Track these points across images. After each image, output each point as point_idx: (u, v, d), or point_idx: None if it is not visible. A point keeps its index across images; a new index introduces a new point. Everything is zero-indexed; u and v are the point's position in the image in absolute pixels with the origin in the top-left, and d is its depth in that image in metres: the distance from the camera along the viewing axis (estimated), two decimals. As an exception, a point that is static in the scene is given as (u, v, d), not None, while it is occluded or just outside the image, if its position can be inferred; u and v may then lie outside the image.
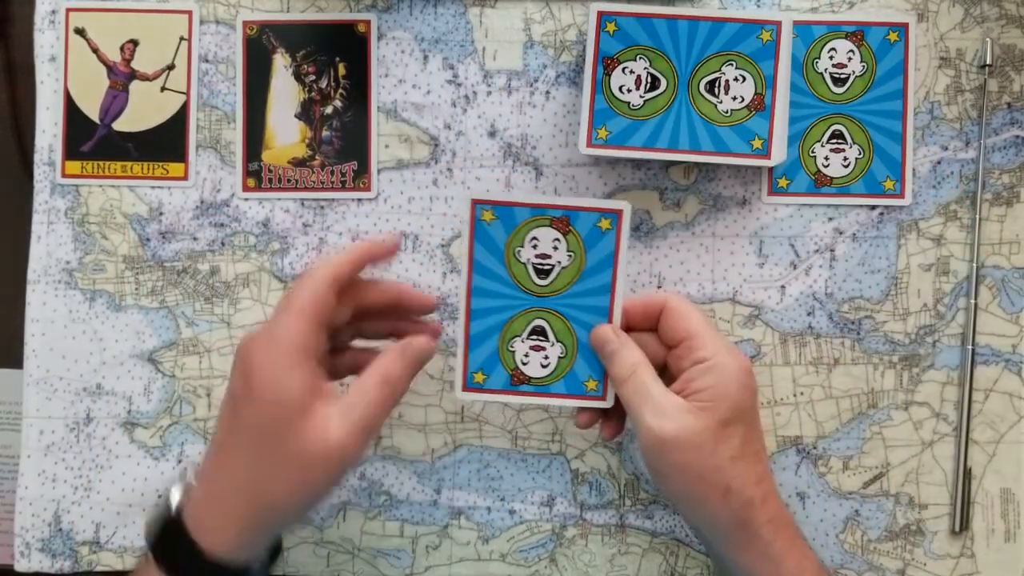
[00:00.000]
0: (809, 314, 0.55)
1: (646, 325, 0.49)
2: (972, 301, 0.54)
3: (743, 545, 0.45)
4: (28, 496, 0.55)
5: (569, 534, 0.55)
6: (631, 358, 0.47)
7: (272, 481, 0.42)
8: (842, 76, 0.55)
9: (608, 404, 0.49)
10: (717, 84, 0.52)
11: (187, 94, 0.56)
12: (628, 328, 0.49)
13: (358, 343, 0.50)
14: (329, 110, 0.56)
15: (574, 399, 0.49)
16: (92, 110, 0.56)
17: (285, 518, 0.45)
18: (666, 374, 0.48)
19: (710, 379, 0.45)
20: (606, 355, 0.48)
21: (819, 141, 0.55)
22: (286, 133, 0.56)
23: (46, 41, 0.56)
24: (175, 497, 0.44)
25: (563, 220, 0.48)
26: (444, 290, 0.55)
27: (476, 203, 0.48)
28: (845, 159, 0.55)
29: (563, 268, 0.48)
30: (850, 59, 0.55)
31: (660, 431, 0.44)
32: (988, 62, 0.54)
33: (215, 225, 0.56)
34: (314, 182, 0.56)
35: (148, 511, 0.49)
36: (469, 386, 0.49)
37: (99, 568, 0.55)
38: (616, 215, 0.47)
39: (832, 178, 0.55)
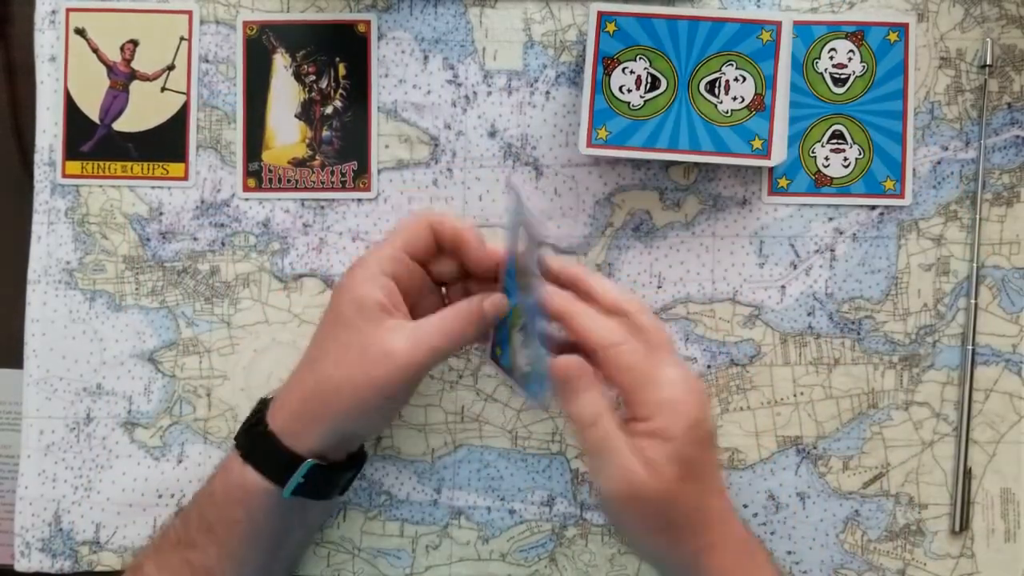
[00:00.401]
0: (809, 314, 0.55)
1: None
2: (972, 301, 0.54)
3: None
4: (28, 496, 0.55)
5: (569, 534, 0.55)
6: (595, 405, 0.44)
7: (334, 369, 0.46)
8: (842, 76, 0.55)
9: None
10: (717, 84, 0.52)
11: (187, 94, 0.56)
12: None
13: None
14: (329, 110, 0.56)
15: None
16: (92, 110, 0.56)
17: (342, 411, 0.46)
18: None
19: (653, 443, 0.43)
20: (568, 391, 0.44)
21: (819, 141, 0.55)
22: (286, 133, 0.56)
23: (46, 41, 0.56)
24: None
25: None
26: (444, 290, 0.55)
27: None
28: (845, 159, 0.55)
29: None
30: (850, 59, 0.55)
31: (619, 488, 0.43)
32: (988, 62, 0.54)
33: (215, 225, 0.56)
34: (314, 182, 0.56)
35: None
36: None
37: (99, 568, 0.55)
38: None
39: (832, 178, 0.55)
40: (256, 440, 0.47)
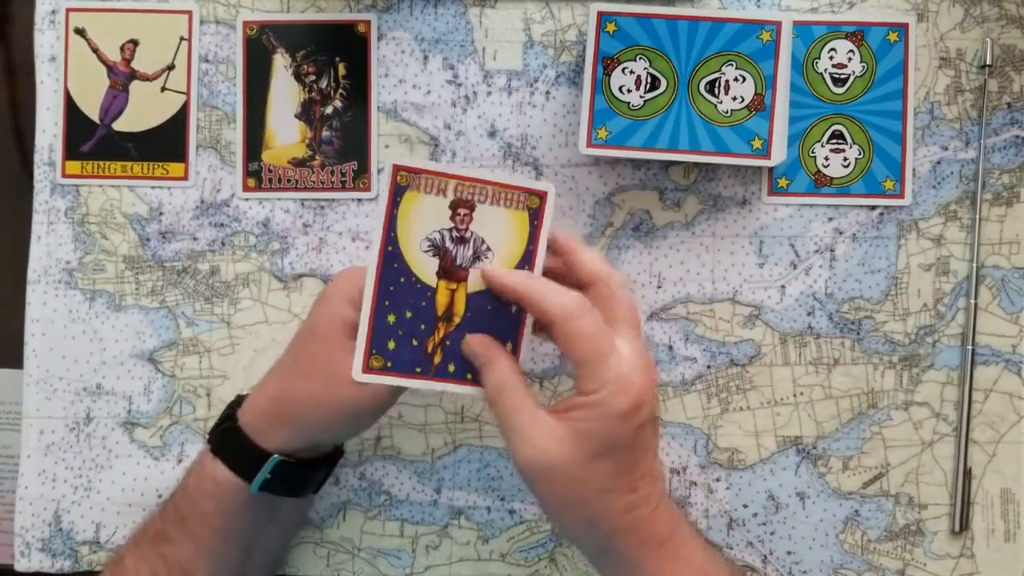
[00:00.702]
0: (809, 314, 0.55)
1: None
2: (972, 301, 0.54)
3: (610, 567, 0.45)
4: (28, 496, 0.55)
5: (569, 534, 0.55)
6: (498, 376, 0.44)
7: (300, 380, 0.46)
8: (842, 76, 0.55)
9: None
10: (717, 84, 0.52)
11: (187, 94, 0.56)
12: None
13: None
14: (329, 110, 0.56)
15: None
16: (92, 110, 0.56)
17: (303, 422, 0.47)
18: None
19: (587, 414, 0.42)
20: (478, 367, 0.45)
21: (819, 141, 0.55)
22: (286, 133, 0.56)
23: (46, 41, 0.56)
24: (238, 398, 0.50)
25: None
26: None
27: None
28: (845, 159, 0.55)
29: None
30: (850, 59, 0.55)
31: (526, 459, 0.42)
32: (988, 62, 0.54)
33: (215, 225, 0.56)
34: (314, 182, 0.56)
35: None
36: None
37: (99, 568, 0.55)
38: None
39: (832, 178, 0.55)
40: (226, 435, 0.48)
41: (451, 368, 0.46)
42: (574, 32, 0.56)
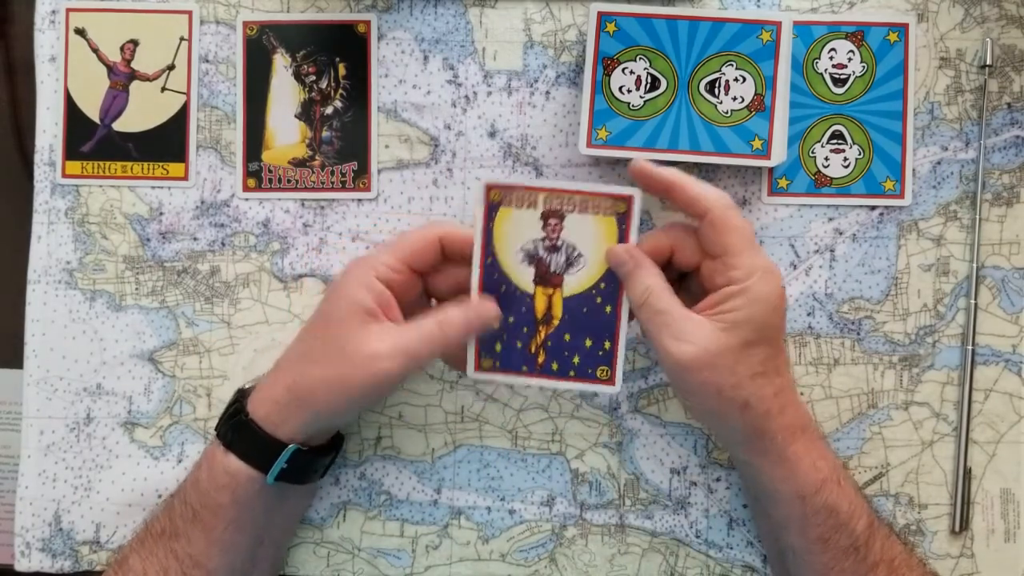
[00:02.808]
0: (809, 314, 0.55)
1: (691, 219, 0.48)
2: (972, 301, 0.54)
3: (761, 451, 0.47)
4: (28, 496, 0.55)
5: (569, 534, 0.55)
6: (645, 281, 0.46)
7: (314, 367, 0.47)
8: (842, 76, 0.55)
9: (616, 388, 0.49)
10: (717, 84, 0.52)
11: (187, 94, 0.56)
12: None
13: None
14: (329, 110, 0.56)
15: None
16: (92, 110, 0.56)
17: (317, 408, 0.47)
18: (693, 280, 0.49)
19: (739, 302, 0.45)
20: (622, 276, 0.47)
21: (819, 141, 0.55)
22: (286, 133, 0.56)
23: (46, 41, 0.56)
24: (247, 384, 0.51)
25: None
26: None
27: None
28: (845, 159, 0.55)
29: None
30: (850, 59, 0.55)
31: (679, 354, 0.45)
32: (988, 62, 0.54)
33: (215, 225, 0.56)
34: (314, 182, 0.56)
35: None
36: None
37: (99, 568, 0.55)
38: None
39: (832, 178, 0.55)
40: (238, 428, 0.48)
41: (554, 366, 0.49)
42: (574, 32, 0.56)
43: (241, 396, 0.50)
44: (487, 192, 0.48)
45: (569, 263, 0.49)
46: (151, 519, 0.51)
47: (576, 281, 0.49)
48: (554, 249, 0.49)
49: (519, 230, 0.48)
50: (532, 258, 0.49)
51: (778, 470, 0.46)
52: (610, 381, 0.49)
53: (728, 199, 0.47)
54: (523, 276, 0.49)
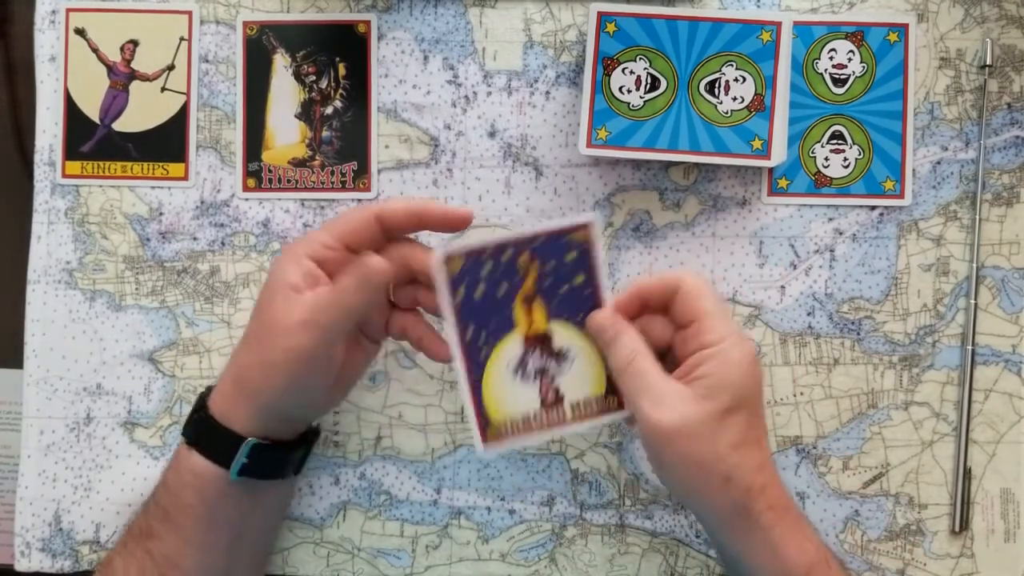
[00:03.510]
0: (809, 314, 0.55)
1: (660, 305, 0.48)
2: (972, 301, 0.54)
3: (744, 532, 0.45)
4: (28, 496, 0.55)
5: (569, 534, 0.55)
6: (629, 345, 0.46)
7: (247, 351, 0.47)
8: (842, 76, 0.55)
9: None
10: (717, 84, 0.52)
11: (187, 94, 0.56)
12: (643, 308, 0.48)
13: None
14: (329, 110, 0.56)
15: None
16: (92, 110, 0.56)
17: (259, 390, 0.47)
18: (668, 359, 0.48)
19: (713, 365, 0.44)
20: (604, 343, 0.47)
21: (819, 141, 0.55)
22: (286, 133, 0.56)
23: (46, 41, 0.56)
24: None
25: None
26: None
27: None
28: (845, 159, 0.55)
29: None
30: (850, 59, 0.55)
31: (659, 420, 0.43)
32: (988, 62, 0.54)
33: (215, 225, 0.56)
34: (314, 182, 0.56)
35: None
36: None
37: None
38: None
39: (832, 178, 0.55)
40: (198, 425, 0.48)
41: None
42: (574, 32, 0.56)
43: (205, 394, 0.49)
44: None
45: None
46: (132, 520, 0.51)
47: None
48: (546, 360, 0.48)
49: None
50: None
51: (763, 554, 0.44)
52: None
53: (698, 275, 0.47)
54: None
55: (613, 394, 0.48)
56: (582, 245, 0.46)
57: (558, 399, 0.48)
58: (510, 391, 0.47)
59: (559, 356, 0.48)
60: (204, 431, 0.48)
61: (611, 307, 0.47)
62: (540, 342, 0.47)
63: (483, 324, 0.47)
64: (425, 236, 0.53)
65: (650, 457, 0.47)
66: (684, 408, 0.43)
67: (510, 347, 0.47)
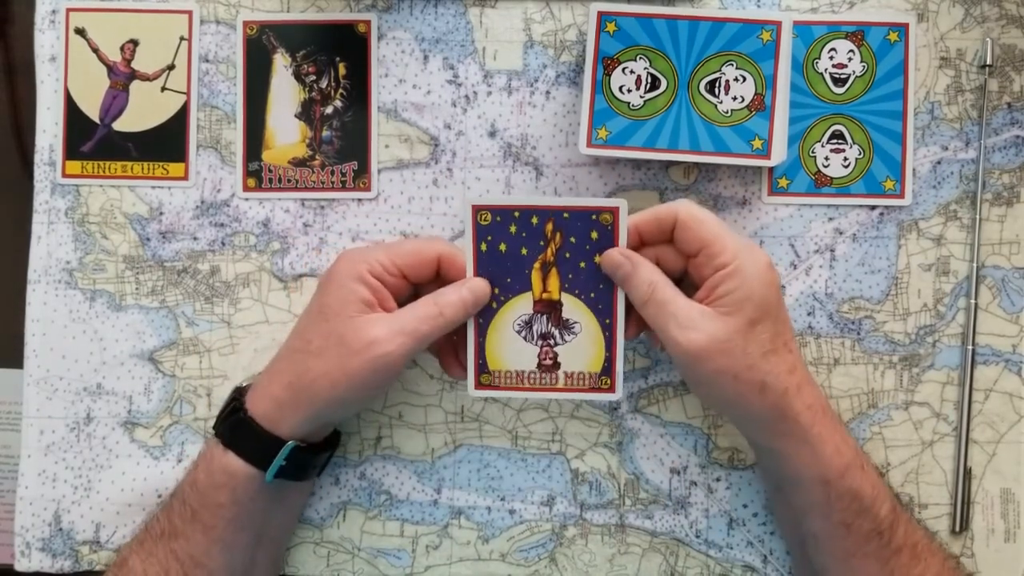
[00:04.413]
0: (809, 314, 0.55)
1: (661, 238, 0.49)
2: (972, 301, 0.54)
3: (784, 434, 0.46)
4: (28, 496, 0.55)
5: (569, 534, 0.55)
6: (647, 277, 0.47)
7: (314, 361, 0.47)
8: (842, 76, 0.55)
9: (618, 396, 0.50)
10: (717, 84, 0.52)
11: (187, 94, 0.56)
12: (642, 244, 0.49)
13: None
14: (329, 110, 0.56)
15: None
16: (92, 110, 0.56)
17: (319, 401, 0.48)
18: (685, 283, 0.48)
19: (733, 283, 0.45)
20: (620, 279, 0.48)
21: (819, 141, 0.55)
22: (286, 133, 0.56)
23: (46, 41, 0.56)
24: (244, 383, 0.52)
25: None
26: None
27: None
28: (845, 159, 0.55)
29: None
30: (850, 59, 0.55)
31: (688, 343, 0.45)
32: (988, 62, 0.54)
33: (215, 225, 0.56)
34: (314, 182, 0.56)
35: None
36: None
37: (99, 568, 0.55)
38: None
39: (832, 178, 0.55)
40: (236, 426, 0.48)
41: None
42: (574, 32, 0.56)
43: (239, 394, 0.50)
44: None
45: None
46: (150, 520, 0.51)
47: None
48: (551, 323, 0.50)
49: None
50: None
51: (803, 453, 0.46)
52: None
53: (689, 200, 0.48)
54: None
55: (607, 375, 0.49)
56: (607, 227, 0.48)
57: (555, 365, 0.50)
58: (511, 346, 0.50)
59: (565, 326, 0.49)
60: (243, 433, 0.48)
61: (623, 242, 0.48)
62: (550, 309, 0.49)
63: (500, 278, 0.49)
64: (438, 217, 0.53)
65: (685, 378, 0.49)
66: (711, 327, 0.45)
67: (520, 306, 0.49)
